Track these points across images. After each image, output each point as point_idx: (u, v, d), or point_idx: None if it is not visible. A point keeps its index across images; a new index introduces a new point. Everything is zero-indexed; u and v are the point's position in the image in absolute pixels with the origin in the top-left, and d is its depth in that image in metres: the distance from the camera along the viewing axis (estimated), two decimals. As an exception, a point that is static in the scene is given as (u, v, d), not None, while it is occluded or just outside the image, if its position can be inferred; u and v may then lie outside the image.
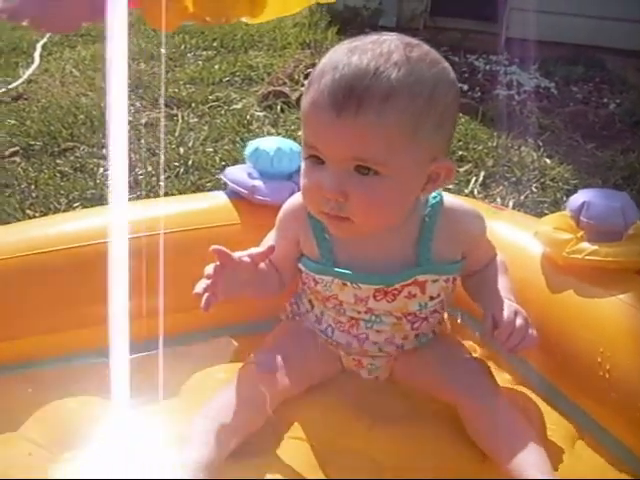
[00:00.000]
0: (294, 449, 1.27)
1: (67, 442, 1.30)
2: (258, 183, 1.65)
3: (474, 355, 1.53)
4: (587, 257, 1.43)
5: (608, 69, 4.95)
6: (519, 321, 1.26)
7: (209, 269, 1.22)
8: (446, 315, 1.57)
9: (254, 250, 1.27)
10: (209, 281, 1.20)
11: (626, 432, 1.33)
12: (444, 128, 1.20)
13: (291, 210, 1.40)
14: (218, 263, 1.22)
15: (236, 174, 1.71)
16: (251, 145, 1.69)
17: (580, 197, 1.49)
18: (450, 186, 2.39)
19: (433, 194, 1.34)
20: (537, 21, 5.08)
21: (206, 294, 1.20)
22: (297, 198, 1.38)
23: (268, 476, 1.19)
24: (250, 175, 1.68)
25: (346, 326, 1.39)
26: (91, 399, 1.40)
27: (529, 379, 1.52)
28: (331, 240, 1.34)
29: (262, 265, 1.37)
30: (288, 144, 1.69)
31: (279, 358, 1.36)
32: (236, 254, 1.25)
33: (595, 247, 1.43)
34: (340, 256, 1.34)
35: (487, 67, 4.96)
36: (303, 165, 1.24)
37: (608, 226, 1.45)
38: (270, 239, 1.43)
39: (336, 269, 1.33)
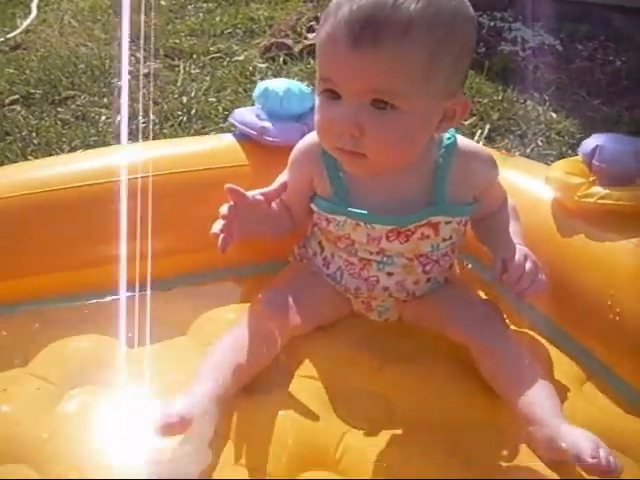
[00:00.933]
0: (304, 386, 1.27)
1: (75, 378, 1.30)
2: (267, 124, 1.62)
3: (485, 298, 1.53)
4: (599, 201, 1.42)
5: (614, 27, 4.87)
6: (528, 265, 1.26)
7: (224, 209, 1.22)
8: (456, 261, 1.56)
9: (267, 189, 1.27)
10: (224, 221, 1.20)
11: (635, 374, 1.34)
12: (462, 62, 1.18)
13: (305, 148, 1.39)
14: (232, 203, 1.22)
15: (244, 115, 1.68)
16: (260, 86, 1.67)
17: (592, 141, 1.48)
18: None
19: (447, 135, 1.33)
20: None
21: (222, 235, 1.20)
22: (311, 137, 1.37)
23: (280, 412, 1.19)
24: (259, 116, 1.66)
25: (357, 268, 1.38)
26: (100, 337, 1.40)
27: (538, 323, 1.52)
28: (345, 179, 1.32)
29: (274, 205, 1.37)
30: (297, 85, 1.67)
31: (287, 296, 1.35)
32: (249, 193, 1.25)
33: (607, 191, 1.42)
34: (354, 195, 1.32)
35: (491, 23, 4.87)
36: (317, 100, 1.22)
37: (620, 170, 1.44)
38: (283, 178, 1.42)
39: (350, 209, 1.31)
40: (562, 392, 1.30)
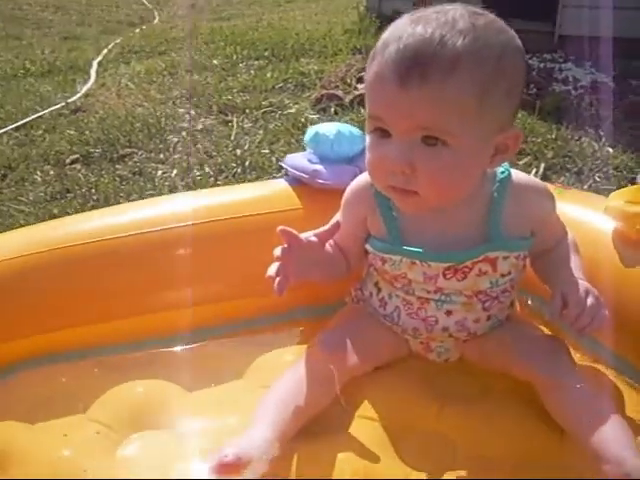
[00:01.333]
0: (364, 428, 1.24)
1: (134, 423, 1.30)
2: (319, 167, 1.63)
3: (549, 334, 1.48)
4: (662, 229, 1.38)
5: (667, 62, 4.81)
6: (590, 300, 1.22)
7: (277, 251, 1.22)
8: (516, 298, 1.52)
9: (320, 229, 1.27)
10: (279, 263, 1.20)
11: None
12: (512, 97, 1.17)
13: (357, 189, 1.38)
14: (286, 245, 1.22)
15: (296, 160, 1.70)
16: (311, 130, 1.69)
17: (653, 168, 1.44)
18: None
19: (501, 169, 1.31)
20: (590, 17, 4.98)
21: (278, 278, 1.21)
22: (364, 177, 1.37)
23: (339, 454, 1.16)
24: (310, 160, 1.67)
25: (414, 307, 1.35)
26: (157, 382, 1.41)
27: (605, 358, 1.46)
28: (399, 218, 1.31)
29: (328, 248, 1.37)
30: (348, 128, 1.68)
31: (344, 336, 1.33)
32: (303, 235, 1.25)
33: (671, 218, 1.37)
34: (408, 234, 1.31)
35: (541, 65, 4.86)
36: (368, 139, 1.22)
37: (684, 197, 1.39)
38: (336, 220, 1.42)
39: (405, 247, 1.30)
40: (635, 428, 1.24)
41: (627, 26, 5.08)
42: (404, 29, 1.11)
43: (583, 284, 1.25)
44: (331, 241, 1.39)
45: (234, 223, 1.60)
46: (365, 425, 1.25)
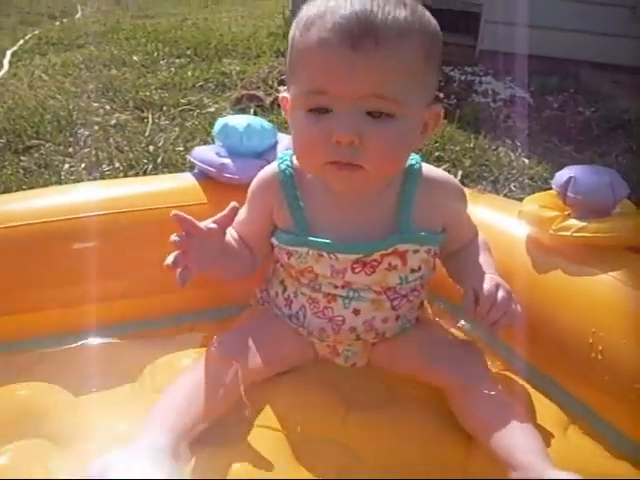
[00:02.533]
0: (263, 436, 1.16)
1: (12, 431, 1.17)
2: (226, 161, 1.55)
3: (461, 338, 1.44)
4: (575, 234, 1.36)
5: (582, 81, 4.96)
6: (501, 294, 1.18)
7: (174, 237, 1.12)
8: (427, 303, 1.48)
9: (217, 215, 1.18)
10: (178, 252, 1.11)
11: (621, 416, 1.24)
12: (438, 73, 1.18)
13: (264, 179, 1.32)
14: (184, 233, 1.13)
15: (204, 153, 1.62)
16: (220, 121, 1.60)
17: (566, 173, 1.43)
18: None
19: (411, 160, 1.27)
20: (510, 34, 5.09)
21: (179, 269, 1.12)
22: (270, 167, 1.31)
23: (234, 464, 1.08)
24: (219, 154, 1.59)
25: (321, 306, 1.29)
26: (42, 385, 1.29)
27: (516, 365, 1.43)
28: (306, 208, 1.25)
29: (233, 242, 1.30)
30: (259, 121, 1.61)
31: (245, 338, 1.26)
32: (200, 224, 1.16)
33: (584, 223, 1.36)
34: (315, 225, 1.25)
35: (462, 77, 4.93)
36: (300, 119, 1.14)
37: (596, 202, 1.38)
38: (242, 214, 1.34)
39: (311, 238, 1.24)
40: (545, 436, 1.20)
41: (544, 45, 5.22)
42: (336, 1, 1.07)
43: (494, 278, 1.22)
44: (235, 235, 1.32)
45: (135, 216, 1.50)
46: (264, 433, 1.17)
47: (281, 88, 4.01)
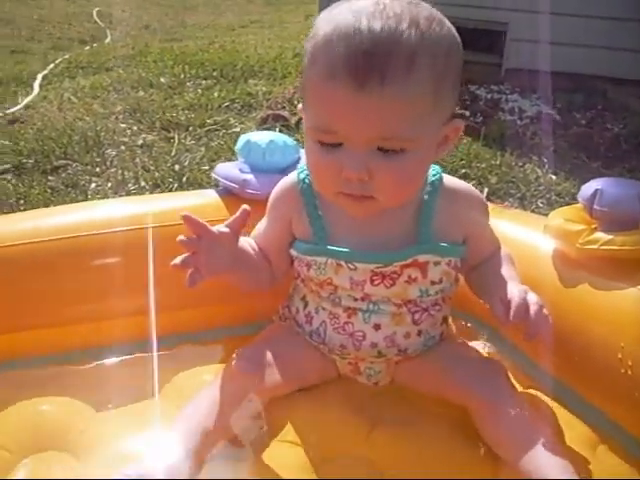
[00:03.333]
0: (284, 452, 1.15)
1: (34, 444, 1.18)
2: (249, 177, 1.55)
3: (485, 355, 1.41)
4: (602, 247, 1.33)
5: (609, 97, 4.90)
6: (533, 299, 1.13)
7: (182, 237, 1.11)
8: (451, 320, 1.46)
9: (230, 219, 1.18)
10: (188, 254, 1.11)
11: (651, 434, 1.21)
12: (456, 89, 1.13)
13: (283, 189, 1.32)
14: (194, 236, 1.13)
15: (227, 169, 1.62)
16: (242, 138, 1.60)
17: (593, 185, 1.40)
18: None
19: (432, 172, 1.26)
20: (536, 51, 5.07)
21: (190, 270, 1.12)
22: (289, 177, 1.31)
23: (255, 480, 1.07)
24: (242, 170, 1.59)
25: (341, 321, 1.27)
26: (64, 400, 1.29)
27: (544, 382, 1.40)
28: (325, 217, 1.25)
29: (251, 252, 1.30)
30: (281, 137, 1.61)
31: (265, 353, 1.25)
32: (213, 227, 1.16)
33: (610, 236, 1.33)
34: (335, 234, 1.24)
35: (488, 96, 4.91)
36: (311, 146, 1.13)
37: (623, 214, 1.35)
38: (262, 225, 1.34)
39: (329, 247, 1.23)
40: (573, 456, 1.18)
41: (570, 62, 5.19)
42: (348, 24, 1.01)
43: (521, 286, 1.18)
44: (255, 247, 1.32)
45: (158, 232, 1.50)
46: (285, 449, 1.16)
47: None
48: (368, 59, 0.99)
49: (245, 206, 1.16)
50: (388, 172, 1.07)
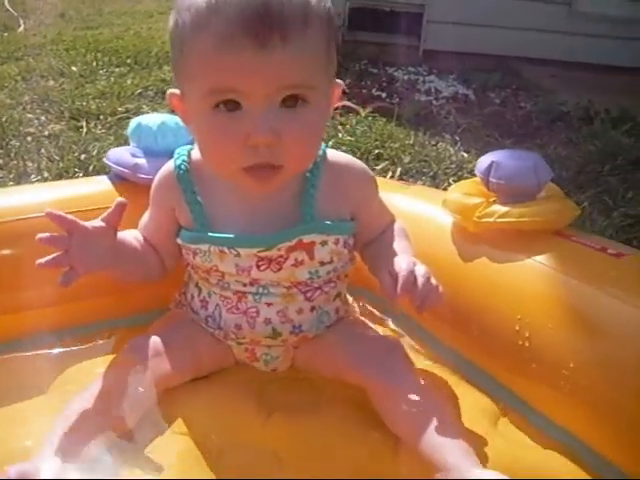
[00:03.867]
0: (177, 445, 1.10)
1: None
2: (141, 161, 1.49)
3: (384, 334, 1.39)
4: (499, 219, 1.33)
5: (523, 77, 5.00)
6: (420, 271, 1.11)
7: (42, 236, 1.07)
8: (351, 299, 1.43)
9: (105, 213, 1.13)
10: (59, 252, 1.05)
11: (551, 404, 1.21)
12: (336, 51, 1.13)
13: (162, 177, 1.28)
14: (65, 233, 1.08)
15: (119, 154, 1.55)
16: (133, 121, 1.54)
17: (489, 158, 1.40)
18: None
19: None
20: (453, 33, 5.12)
21: (65, 269, 1.07)
22: (168, 165, 1.27)
23: (147, 476, 1.02)
24: (134, 155, 1.52)
25: (234, 301, 1.23)
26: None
27: (444, 357, 1.39)
28: (205, 204, 1.21)
29: (135, 244, 1.26)
30: (173, 119, 1.54)
31: (158, 342, 1.19)
32: (87, 223, 1.11)
33: (507, 208, 1.33)
34: (216, 221, 1.20)
35: (405, 77, 4.93)
36: (206, 119, 1.07)
37: (520, 186, 1.35)
38: (146, 216, 1.30)
39: (210, 234, 1.19)
40: (475, 431, 1.17)
41: (486, 43, 5.27)
42: None
43: (409, 258, 1.15)
44: (140, 238, 1.28)
45: (45, 222, 1.42)
46: (178, 441, 1.10)
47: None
48: (267, 18, 0.98)
49: (120, 199, 1.12)
50: (296, 129, 1.04)
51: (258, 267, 1.18)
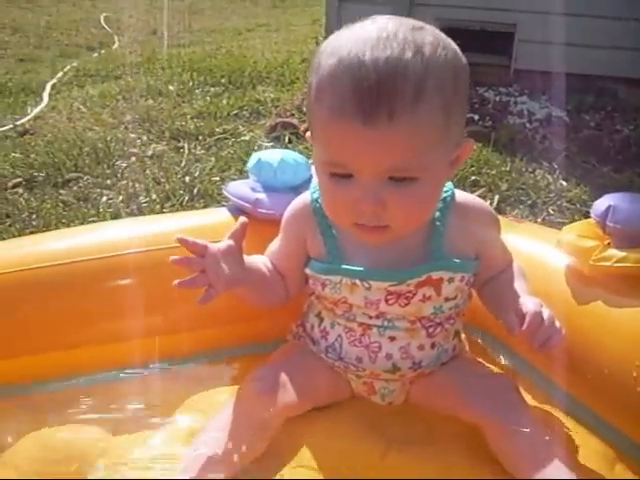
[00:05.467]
0: (298, 476, 1.15)
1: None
2: (261, 196, 1.55)
3: (498, 372, 1.41)
4: (616, 264, 1.33)
5: (619, 98, 4.88)
6: (547, 312, 1.14)
7: (177, 258, 1.15)
8: (464, 336, 1.46)
9: (229, 232, 1.20)
10: (196, 274, 1.14)
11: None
12: (464, 111, 1.13)
13: (296, 208, 1.34)
14: (196, 257, 1.16)
15: (239, 188, 1.62)
16: (254, 157, 1.61)
17: (605, 201, 1.40)
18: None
19: (444, 188, 1.25)
20: (545, 52, 5.05)
21: (205, 289, 1.15)
22: (302, 197, 1.33)
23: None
24: (253, 189, 1.59)
25: (357, 334, 1.28)
26: (77, 427, 1.30)
27: (559, 400, 1.39)
28: (339, 237, 1.26)
29: (264, 269, 1.32)
30: (292, 155, 1.61)
31: (279, 372, 1.25)
32: (215, 245, 1.18)
33: (624, 253, 1.33)
34: (348, 254, 1.25)
35: (497, 98, 4.88)
36: (323, 180, 1.14)
37: (636, 230, 1.35)
38: (275, 244, 1.36)
39: (344, 266, 1.24)
40: (589, 474, 1.18)
41: (580, 62, 5.16)
42: (350, 58, 1.00)
43: (535, 299, 1.18)
44: (269, 265, 1.34)
45: (171, 253, 1.51)
46: (301, 475, 1.15)
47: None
48: (375, 94, 0.98)
49: (243, 218, 1.20)
50: (402, 201, 1.07)
51: (387, 301, 1.23)
